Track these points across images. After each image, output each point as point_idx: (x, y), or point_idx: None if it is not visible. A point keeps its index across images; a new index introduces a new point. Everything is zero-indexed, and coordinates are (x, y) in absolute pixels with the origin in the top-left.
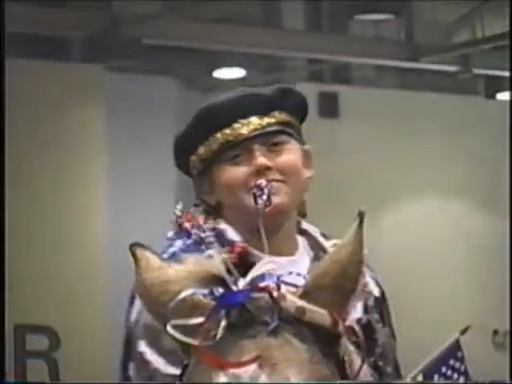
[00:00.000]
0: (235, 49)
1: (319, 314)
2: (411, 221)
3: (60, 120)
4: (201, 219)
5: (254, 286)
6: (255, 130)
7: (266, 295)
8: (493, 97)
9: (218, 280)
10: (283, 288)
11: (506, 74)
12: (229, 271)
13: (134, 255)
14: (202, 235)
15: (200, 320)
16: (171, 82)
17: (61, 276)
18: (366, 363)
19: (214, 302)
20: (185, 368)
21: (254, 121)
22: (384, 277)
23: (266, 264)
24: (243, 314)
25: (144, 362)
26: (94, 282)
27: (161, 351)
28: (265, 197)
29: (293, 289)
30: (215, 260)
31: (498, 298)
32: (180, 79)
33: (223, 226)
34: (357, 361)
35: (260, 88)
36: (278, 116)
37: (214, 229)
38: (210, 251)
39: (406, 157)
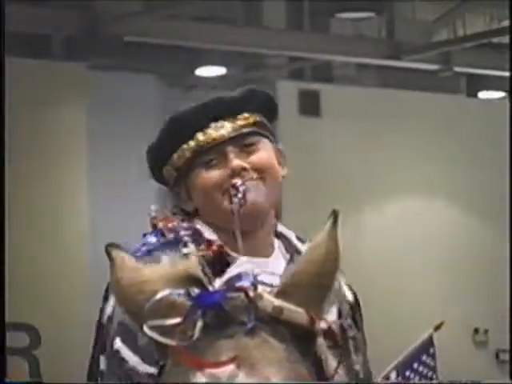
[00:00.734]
0: (217, 47)
1: (296, 312)
2: (393, 220)
3: (43, 117)
4: (176, 219)
5: (230, 285)
6: (227, 132)
7: (243, 295)
8: (475, 95)
9: (194, 280)
10: (260, 288)
11: (488, 72)
12: (203, 271)
13: (109, 255)
14: (179, 234)
15: (177, 320)
16: (153, 79)
17: (42, 274)
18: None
19: (190, 303)
20: (162, 368)
21: (226, 124)
22: (365, 274)
23: (242, 264)
24: (220, 314)
25: (119, 360)
26: (75, 280)
27: (136, 349)
28: (240, 195)
29: (269, 288)
30: (191, 260)
31: (479, 297)
32: (162, 77)
33: (199, 225)
34: (332, 361)
35: (227, 92)
36: (249, 117)
37: (189, 228)
38: (185, 249)
39: (388, 155)
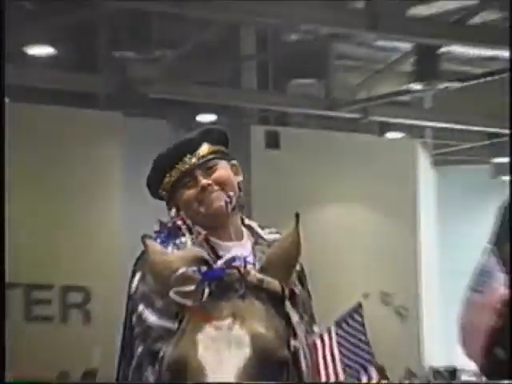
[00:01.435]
0: (210, 101)
1: (273, 283)
2: (330, 221)
3: (90, 151)
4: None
5: (227, 265)
6: (194, 162)
7: (237, 271)
8: (383, 135)
9: (203, 261)
10: (248, 266)
11: (394, 120)
12: (209, 255)
13: (143, 243)
14: (179, 228)
15: (191, 288)
16: (167, 123)
17: (94, 250)
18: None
19: (200, 276)
20: (179, 323)
21: (193, 157)
22: (313, 257)
23: (230, 249)
24: (221, 284)
25: (141, 319)
26: (116, 259)
27: (153, 311)
28: (214, 205)
29: (252, 266)
30: (199, 249)
31: (390, 272)
32: (173, 122)
33: (191, 224)
34: (294, 315)
35: (192, 132)
36: (208, 148)
37: (184, 223)
38: (183, 238)
39: (324, 176)
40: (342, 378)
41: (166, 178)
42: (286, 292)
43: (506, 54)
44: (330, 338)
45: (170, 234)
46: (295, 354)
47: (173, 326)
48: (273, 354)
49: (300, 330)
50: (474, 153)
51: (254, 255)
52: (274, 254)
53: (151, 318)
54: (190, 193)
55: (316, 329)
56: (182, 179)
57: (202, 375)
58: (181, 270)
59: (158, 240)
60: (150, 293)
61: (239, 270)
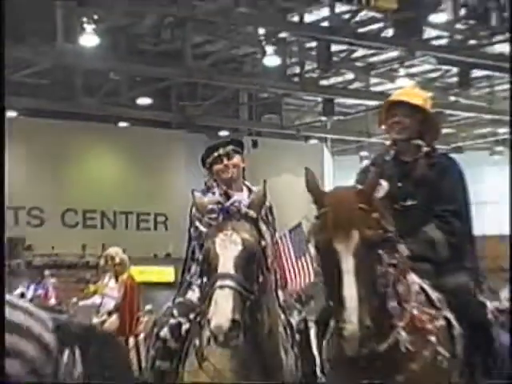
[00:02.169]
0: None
1: (253, 212)
2: None
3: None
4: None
5: (232, 204)
6: (224, 152)
7: (236, 208)
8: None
9: (220, 203)
10: (241, 205)
11: (313, 133)
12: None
13: (192, 193)
14: (212, 186)
15: (214, 215)
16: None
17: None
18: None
19: (218, 209)
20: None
21: (224, 149)
22: None
23: (235, 196)
24: (227, 214)
25: (197, 229)
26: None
27: (201, 224)
28: (229, 175)
29: (244, 205)
30: (218, 197)
31: None
32: (209, 136)
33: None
34: (263, 228)
35: (222, 139)
36: (230, 147)
37: (216, 183)
38: (214, 190)
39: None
40: (293, 259)
41: (209, 159)
42: (259, 215)
43: None
44: (286, 239)
45: (207, 189)
46: (264, 249)
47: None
48: (252, 248)
49: (267, 235)
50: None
51: (247, 200)
52: (253, 198)
53: (201, 227)
54: (219, 167)
55: (277, 235)
56: (215, 161)
57: (217, 256)
58: (209, 206)
59: (200, 193)
60: (197, 217)
61: (238, 207)
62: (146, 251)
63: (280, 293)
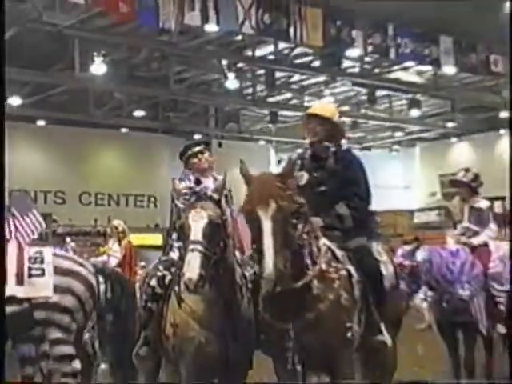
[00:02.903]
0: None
1: (216, 195)
2: None
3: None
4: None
5: (201, 188)
6: (196, 150)
7: (204, 190)
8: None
9: (191, 187)
10: (208, 190)
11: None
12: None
13: (172, 180)
14: (187, 174)
15: (187, 197)
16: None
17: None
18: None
19: (189, 192)
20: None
21: (198, 147)
22: None
23: (205, 183)
24: (197, 197)
25: (175, 205)
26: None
27: (179, 202)
28: (203, 166)
29: (210, 189)
30: (190, 183)
31: None
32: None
33: (192, 173)
34: (224, 206)
35: (195, 140)
36: (202, 146)
37: (190, 172)
38: (190, 177)
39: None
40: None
41: (187, 154)
42: (222, 196)
43: None
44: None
45: (184, 177)
46: (225, 222)
47: (182, 206)
48: (215, 221)
49: (227, 212)
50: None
51: (212, 186)
52: (217, 185)
53: (180, 204)
54: (194, 161)
55: (234, 212)
56: (192, 156)
57: (190, 227)
58: (183, 191)
59: (178, 180)
60: (176, 197)
61: (204, 191)
62: (141, 223)
63: (237, 253)
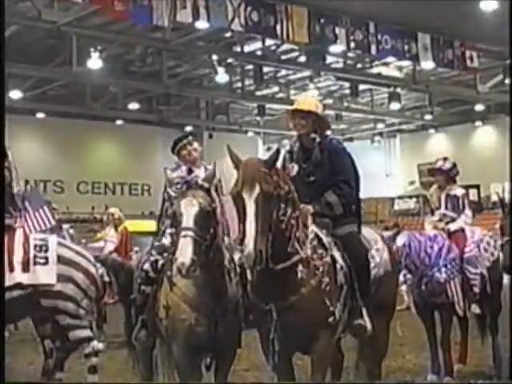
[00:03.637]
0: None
1: (206, 184)
2: None
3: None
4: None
5: (192, 178)
6: (186, 142)
7: (194, 180)
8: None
9: (184, 177)
10: (199, 179)
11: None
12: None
13: (165, 170)
14: (180, 165)
15: (179, 186)
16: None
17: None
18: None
19: (181, 181)
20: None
21: (187, 140)
22: None
23: (196, 172)
24: (189, 186)
25: (167, 193)
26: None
27: (171, 190)
28: (192, 157)
29: (201, 178)
30: (182, 172)
31: None
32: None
33: (184, 163)
34: (214, 194)
35: (185, 132)
36: (191, 138)
37: (182, 163)
38: (182, 167)
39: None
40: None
41: (177, 147)
42: (212, 185)
43: None
44: (230, 202)
45: (177, 166)
46: (215, 209)
47: (175, 194)
48: (206, 209)
49: (217, 200)
50: None
51: (203, 175)
52: (207, 174)
53: (172, 193)
54: (184, 152)
55: (224, 199)
56: (182, 148)
57: (182, 215)
58: (176, 180)
59: (170, 170)
60: (168, 186)
61: (195, 180)
62: (136, 210)
63: (226, 238)
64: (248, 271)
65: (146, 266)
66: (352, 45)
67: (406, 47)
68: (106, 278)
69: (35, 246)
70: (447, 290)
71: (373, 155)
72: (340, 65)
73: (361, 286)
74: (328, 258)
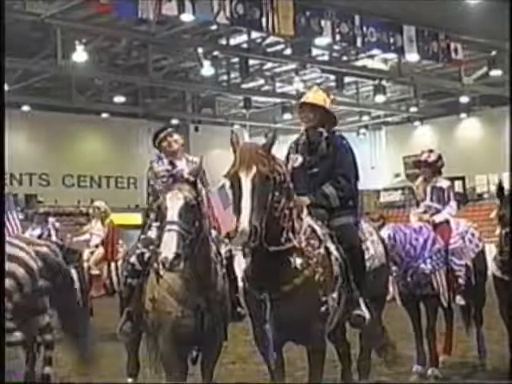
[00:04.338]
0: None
1: (192, 177)
2: None
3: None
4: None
5: (176, 171)
6: (167, 133)
7: (180, 173)
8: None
9: (168, 170)
10: (184, 172)
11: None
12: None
13: (151, 162)
14: (162, 157)
15: (165, 179)
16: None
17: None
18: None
19: (167, 175)
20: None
21: (166, 132)
22: None
23: (179, 165)
24: (174, 179)
25: (152, 186)
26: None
27: (155, 185)
28: (172, 149)
29: (186, 172)
30: (166, 166)
31: None
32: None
33: (165, 156)
34: (200, 186)
35: (166, 124)
36: (172, 130)
37: (164, 155)
38: (164, 160)
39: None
40: (221, 209)
41: (157, 139)
42: (196, 181)
43: None
44: (215, 195)
45: (159, 159)
46: (200, 202)
47: (160, 188)
48: (191, 202)
49: (203, 193)
50: None
51: (186, 166)
52: (192, 168)
53: (157, 186)
54: (165, 144)
55: (209, 193)
56: (162, 140)
57: (167, 208)
58: (161, 173)
59: (155, 162)
60: (153, 179)
61: (180, 174)
62: (122, 203)
63: (212, 232)
64: (243, 260)
65: (133, 259)
66: (338, 37)
67: (392, 40)
68: (94, 272)
69: None
70: (432, 282)
71: (358, 148)
72: (326, 57)
73: (356, 276)
74: (322, 250)
